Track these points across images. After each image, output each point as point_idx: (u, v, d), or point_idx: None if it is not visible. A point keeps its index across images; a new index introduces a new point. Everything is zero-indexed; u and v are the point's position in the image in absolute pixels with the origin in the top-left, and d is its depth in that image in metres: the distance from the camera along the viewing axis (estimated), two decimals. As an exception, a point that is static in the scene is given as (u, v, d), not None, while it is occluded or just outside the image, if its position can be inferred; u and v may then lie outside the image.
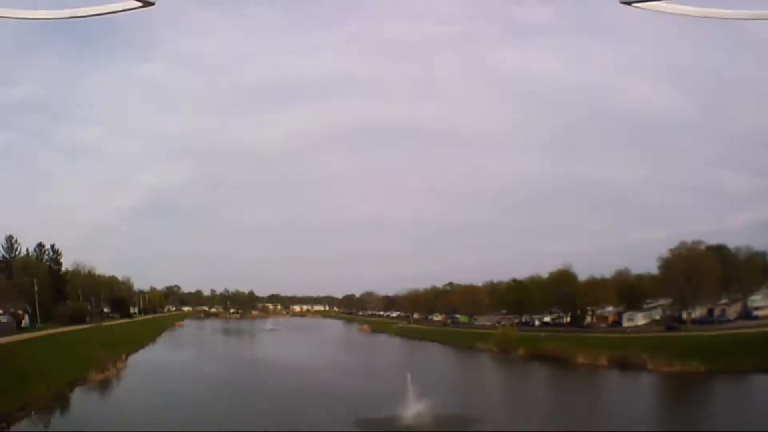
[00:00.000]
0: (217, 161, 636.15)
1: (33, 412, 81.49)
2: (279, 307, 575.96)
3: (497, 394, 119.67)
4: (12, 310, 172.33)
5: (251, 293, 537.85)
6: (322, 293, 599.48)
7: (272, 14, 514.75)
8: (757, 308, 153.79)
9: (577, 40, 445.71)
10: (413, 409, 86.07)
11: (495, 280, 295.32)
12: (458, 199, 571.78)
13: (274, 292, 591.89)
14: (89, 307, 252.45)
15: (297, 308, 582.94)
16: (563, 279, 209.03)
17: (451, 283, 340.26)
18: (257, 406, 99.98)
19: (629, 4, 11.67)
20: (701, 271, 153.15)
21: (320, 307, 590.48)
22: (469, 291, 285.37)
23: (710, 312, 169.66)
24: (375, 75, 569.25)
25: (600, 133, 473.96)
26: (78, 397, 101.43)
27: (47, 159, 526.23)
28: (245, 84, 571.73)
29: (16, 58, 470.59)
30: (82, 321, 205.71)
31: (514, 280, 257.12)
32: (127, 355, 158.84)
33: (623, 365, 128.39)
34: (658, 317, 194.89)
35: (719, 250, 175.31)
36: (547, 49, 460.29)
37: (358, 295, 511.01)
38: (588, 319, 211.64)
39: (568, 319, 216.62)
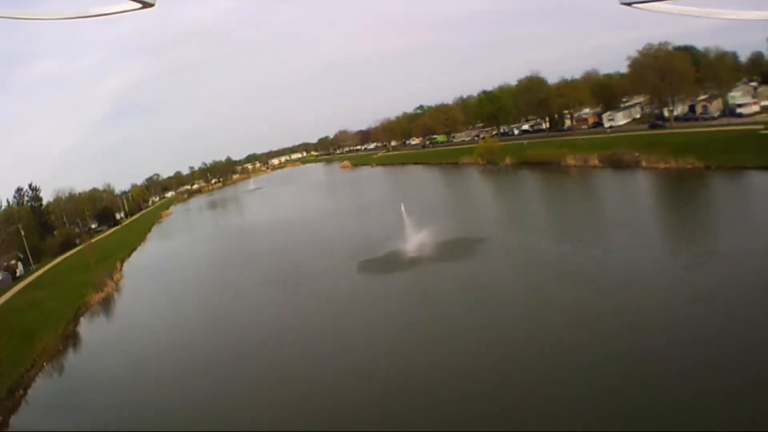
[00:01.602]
0: (171, 48, 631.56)
1: (44, 365, 79.27)
2: (258, 165, 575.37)
3: (495, 209, 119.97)
4: (5, 264, 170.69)
5: (228, 159, 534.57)
6: (297, 142, 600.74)
7: None
8: (740, 105, 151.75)
9: None
10: (413, 241, 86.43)
11: (465, 96, 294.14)
12: (416, 27, 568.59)
13: (251, 152, 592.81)
14: (76, 229, 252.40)
15: (276, 161, 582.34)
16: (533, 84, 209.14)
17: (421, 106, 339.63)
18: (256, 275, 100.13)
19: (629, 5, 11.38)
20: (673, 69, 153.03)
21: (298, 155, 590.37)
22: (442, 110, 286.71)
23: (692, 109, 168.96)
24: None
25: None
26: (83, 328, 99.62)
27: (10, 103, 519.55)
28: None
29: None
30: (73, 245, 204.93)
31: (484, 92, 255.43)
32: (122, 264, 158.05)
33: (616, 164, 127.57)
34: (638, 116, 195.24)
35: (688, 50, 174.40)
36: None
37: (332, 135, 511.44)
38: (567, 122, 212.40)
39: (547, 124, 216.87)
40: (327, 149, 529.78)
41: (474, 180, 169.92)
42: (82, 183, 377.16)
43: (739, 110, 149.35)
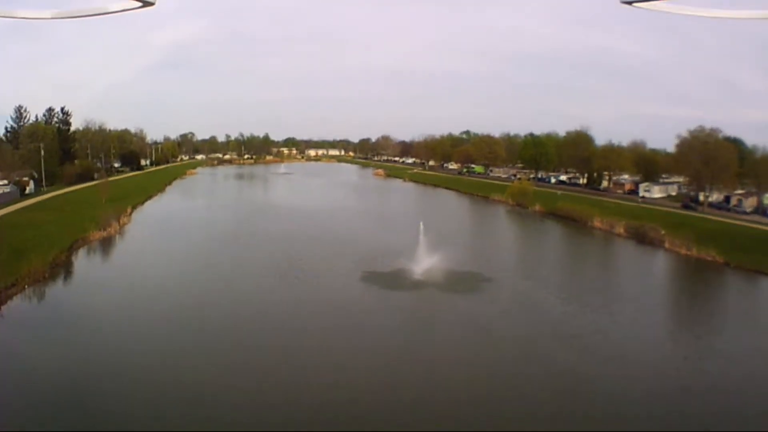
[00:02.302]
0: (235, 13, 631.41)
1: (26, 287, 78.76)
2: (294, 151, 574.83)
3: (512, 252, 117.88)
4: (17, 179, 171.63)
5: (266, 137, 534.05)
6: (338, 137, 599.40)
7: None
8: None
9: None
10: (424, 263, 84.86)
11: (512, 133, 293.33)
12: (478, 52, 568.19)
13: (290, 135, 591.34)
14: (98, 163, 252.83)
15: (312, 153, 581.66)
16: (580, 139, 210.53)
17: (467, 132, 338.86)
18: (261, 258, 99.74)
19: (630, 3, 11.84)
20: (719, 159, 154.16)
21: (336, 152, 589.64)
22: (486, 141, 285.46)
23: (726, 199, 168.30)
24: None
25: (618, 11, 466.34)
26: (74, 262, 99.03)
27: (61, 26, 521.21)
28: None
29: None
30: (90, 179, 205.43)
31: (531, 135, 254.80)
32: (133, 208, 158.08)
33: (640, 238, 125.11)
34: (673, 193, 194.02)
35: (736, 143, 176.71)
36: None
37: (374, 139, 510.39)
38: (604, 183, 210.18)
39: (584, 180, 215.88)
40: (366, 153, 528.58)
41: (499, 218, 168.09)
42: (116, 122, 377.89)
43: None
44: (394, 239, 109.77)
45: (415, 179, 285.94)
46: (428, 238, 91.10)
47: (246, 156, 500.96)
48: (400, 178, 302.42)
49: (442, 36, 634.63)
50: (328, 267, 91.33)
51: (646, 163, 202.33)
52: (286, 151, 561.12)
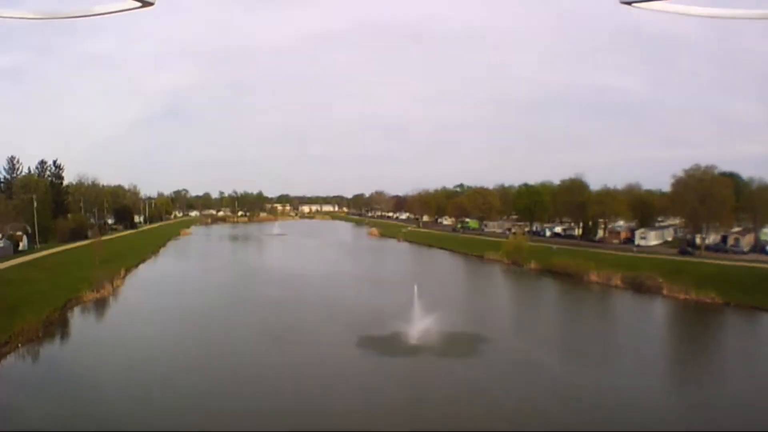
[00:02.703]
0: (228, 62, 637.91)
1: (19, 345, 79.58)
2: (288, 208, 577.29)
3: (508, 312, 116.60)
4: (10, 233, 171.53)
5: (260, 194, 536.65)
6: (332, 192, 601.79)
7: None
8: None
9: None
10: (419, 326, 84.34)
11: (506, 184, 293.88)
12: (469, 102, 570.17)
13: (284, 192, 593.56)
14: (91, 219, 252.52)
15: (306, 209, 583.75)
16: (575, 186, 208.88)
17: (461, 185, 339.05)
18: (255, 323, 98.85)
19: (629, 3, 11.79)
20: (715, 196, 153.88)
21: (329, 208, 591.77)
22: (480, 193, 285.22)
23: (724, 239, 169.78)
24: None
25: (608, 43, 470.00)
26: (68, 322, 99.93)
27: (57, 76, 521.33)
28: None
29: None
30: (83, 236, 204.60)
31: (525, 185, 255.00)
32: (127, 271, 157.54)
33: (638, 287, 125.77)
34: (670, 238, 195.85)
35: (732, 177, 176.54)
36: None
37: (367, 194, 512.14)
38: (600, 233, 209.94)
39: (580, 231, 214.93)
40: (360, 208, 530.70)
41: (494, 278, 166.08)
42: (109, 177, 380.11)
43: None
44: (389, 303, 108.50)
45: (409, 239, 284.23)
46: (423, 301, 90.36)
47: (240, 213, 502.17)
48: (394, 237, 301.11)
49: (434, 87, 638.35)
50: (322, 331, 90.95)
51: (642, 206, 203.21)
52: (280, 207, 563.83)
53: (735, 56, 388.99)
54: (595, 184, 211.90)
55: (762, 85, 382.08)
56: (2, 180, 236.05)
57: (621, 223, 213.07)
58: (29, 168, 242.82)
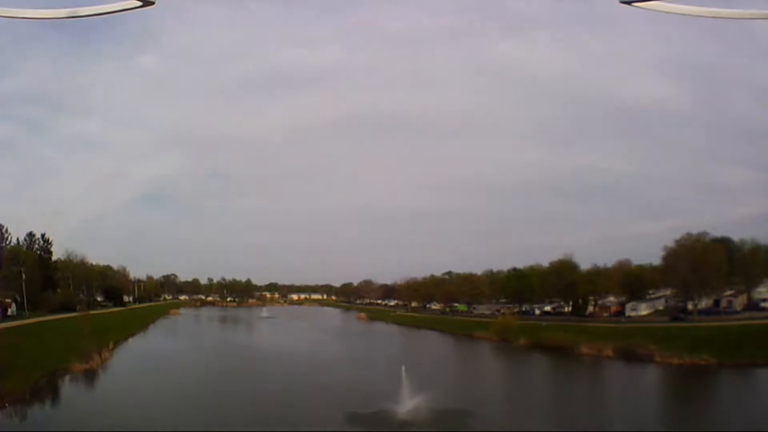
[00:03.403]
0: (216, 151, 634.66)
1: (6, 405, 79.50)
2: (276, 295, 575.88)
3: (498, 387, 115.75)
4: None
5: (248, 281, 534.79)
6: (320, 282, 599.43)
7: (270, 6, 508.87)
8: (764, 300, 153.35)
9: (573, 31, 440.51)
10: (407, 404, 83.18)
11: (494, 269, 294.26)
12: (457, 189, 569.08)
13: (272, 280, 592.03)
14: (80, 295, 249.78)
15: (295, 297, 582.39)
16: (565, 268, 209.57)
17: (450, 272, 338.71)
18: (242, 398, 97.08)
19: (629, 3, 11.83)
20: (707, 263, 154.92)
21: (318, 296, 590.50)
22: (468, 279, 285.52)
23: (716, 303, 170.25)
24: (372, 66, 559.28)
25: (596, 123, 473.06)
26: (57, 388, 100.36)
27: (46, 151, 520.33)
28: (244, 74, 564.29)
29: (15, 50, 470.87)
30: (72, 309, 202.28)
31: (514, 269, 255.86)
32: (116, 344, 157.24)
33: (629, 356, 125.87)
34: (661, 308, 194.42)
35: (723, 242, 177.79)
36: (544, 41, 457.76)
37: (356, 283, 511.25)
38: (590, 308, 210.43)
39: (569, 308, 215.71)
40: (348, 297, 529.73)
41: (483, 355, 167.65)
42: (97, 255, 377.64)
43: (762, 304, 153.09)
44: (378, 381, 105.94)
45: (398, 321, 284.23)
46: (412, 378, 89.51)
47: (229, 299, 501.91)
48: (382, 320, 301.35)
49: (421, 175, 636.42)
50: (310, 408, 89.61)
51: (633, 281, 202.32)
52: (268, 295, 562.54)
53: (722, 124, 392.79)
54: (584, 262, 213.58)
55: (748, 148, 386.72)
56: None
57: (611, 298, 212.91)
58: (17, 239, 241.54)
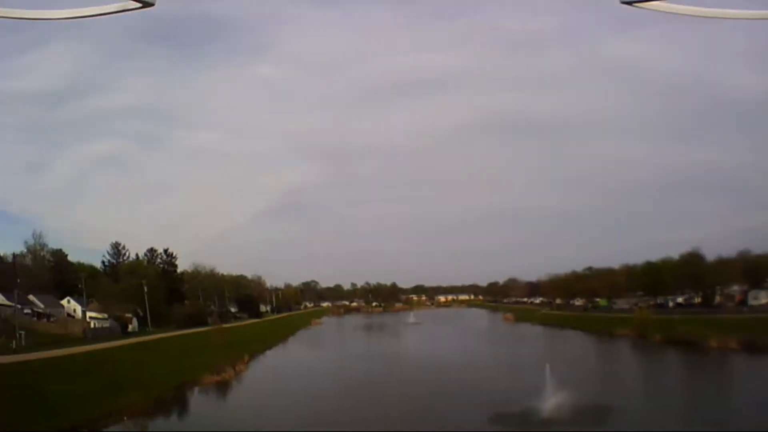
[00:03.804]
0: (350, 158, 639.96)
1: (125, 419, 79.63)
2: (423, 298, 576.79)
3: (633, 385, 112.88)
4: (118, 314, 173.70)
5: (394, 285, 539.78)
6: (466, 282, 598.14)
7: (382, 14, 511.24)
8: None
9: (677, 26, 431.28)
10: (550, 402, 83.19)
11: (630, 263, 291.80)
12: (591, 188, 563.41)
13: (418, 282, 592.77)
14: (211, 307, 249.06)
15: (442, 299, 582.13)
16: (692, 260, 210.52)
17: (590, 267, 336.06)
18: (387, 406, 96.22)
19: (630, 3, 11.85)
20: None
21: (465, 297, 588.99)
22: (607, 274, 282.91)
23: None
24: (493, 68, 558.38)
25: (709, 119, 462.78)
26: (183, 401, 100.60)
27: (161, 165, 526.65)
28: (367, 81, 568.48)
29: (116, 65, 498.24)
30: (202, 323, 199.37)
31: (648, 263, 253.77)
32: (251, 357, 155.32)
33: (752, 348, 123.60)
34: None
35: None
36: (650, 37, 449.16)
37: (501, 282, 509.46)
38: (717, 298, 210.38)
39: (699, 299, 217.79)
40: (495, 296, 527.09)
41: (620, 353, 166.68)
42: (228, 267, 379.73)
43: None
44: (522, 382, 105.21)
45: (543, 321, 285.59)
46: (553, 378, 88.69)
47: (374, 304, 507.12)
48: (528, 321, 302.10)
49: (557, 175, 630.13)
50: (455, 411, 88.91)
51: (754, 270, 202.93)
52: (415, 298, 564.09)
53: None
54: (709, 254, 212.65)
55: None
56: (107, 263, 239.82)
57: (735, 287, 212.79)
58: (137, 254, 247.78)
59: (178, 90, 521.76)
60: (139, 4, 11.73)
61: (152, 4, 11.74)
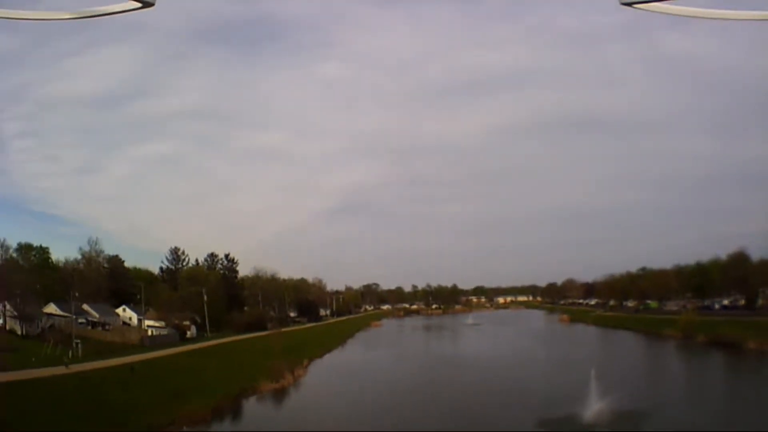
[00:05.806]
0: (413, 158, 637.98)
1: (184, 428, 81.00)
2: (483, 299, 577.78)
3: (677, 387, 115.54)
4: (176, 322, 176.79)
5: (454, 287, 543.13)
6: (526, 283, 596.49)
7: (444, 12, 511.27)
8: None
9: (737, 22, 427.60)
10: (594, 407, 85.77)
11: (682, 263, 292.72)
12: (649, 185, 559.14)
13: (478, 284, 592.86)
14: (271, 312, 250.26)
15: (500, 300, 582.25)
16: (738, 261, 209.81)
17: (644, 268, 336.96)
18: (437, 407, 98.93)
19: (630, 5, 11.81)
20: None
21: (524, 298, 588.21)
22: (658, 276, 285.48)
23: None
24: (555, 66, 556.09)
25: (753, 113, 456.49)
26: (240, 409, 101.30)
27: (221, 167, 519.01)
28: (430, 80, 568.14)
29: (173, 67, 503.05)
30: (262, 328, 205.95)
31: (698, 264, 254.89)
32: (310, 361, 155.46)
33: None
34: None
35: None
36: (704, 31, 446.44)
37: (560, 283, 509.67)
38: (760, 301, 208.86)
39: (743, 301, 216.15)
40: (552, 297, 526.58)
41: (667, 354, 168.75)
42: (288, 271, 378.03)
43: None
44: (569, 384, 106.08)
45: (596, 322, 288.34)
46: (599, 382, 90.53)
47: (434, 306, 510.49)
48: (583, 321, 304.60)
49: (611, 172, 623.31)
50: (504, 415, 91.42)
51: None
52: (474, 299, 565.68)
53: None
54: (760, 252, 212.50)
55: None
56: (165, 270, 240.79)
57: None
58: (196, 260, 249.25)
59: (239, 90, 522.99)
60: (139, 5, 12.03)
61: (152, 5, 12.02)
